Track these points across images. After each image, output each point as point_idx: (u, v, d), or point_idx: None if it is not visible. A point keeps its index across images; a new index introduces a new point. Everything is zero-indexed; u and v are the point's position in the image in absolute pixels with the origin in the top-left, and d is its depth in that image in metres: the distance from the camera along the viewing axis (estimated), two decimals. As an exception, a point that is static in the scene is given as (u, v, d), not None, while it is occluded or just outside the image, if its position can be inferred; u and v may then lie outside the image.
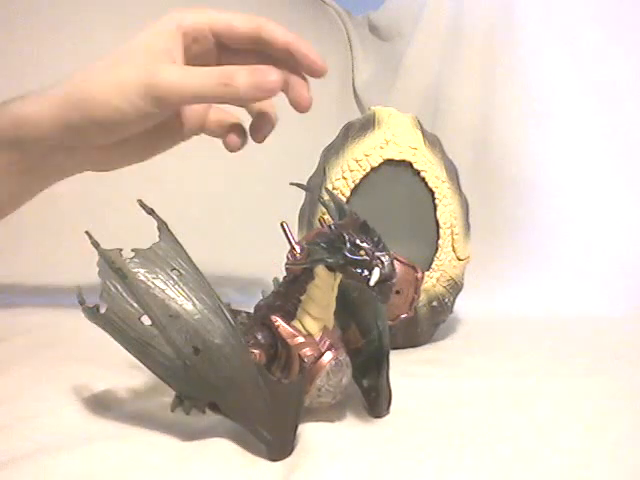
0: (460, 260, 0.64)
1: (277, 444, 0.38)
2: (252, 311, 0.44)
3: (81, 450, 0.38)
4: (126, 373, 0.49)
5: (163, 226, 0.40)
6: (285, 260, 0.41)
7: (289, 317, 0.40)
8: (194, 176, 1.20)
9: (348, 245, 0.36)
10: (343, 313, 0.42)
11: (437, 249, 0.62)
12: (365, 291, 0.44)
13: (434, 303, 0.63)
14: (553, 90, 1.08)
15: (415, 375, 0.53)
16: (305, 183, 0.66)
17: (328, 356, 0.40)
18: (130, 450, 0.38)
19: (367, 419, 0.44)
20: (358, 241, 0.37)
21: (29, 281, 0.87)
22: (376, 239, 0.37)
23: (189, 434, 0.40)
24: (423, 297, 0.61)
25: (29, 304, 0.80)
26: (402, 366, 0.55)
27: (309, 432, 0.41)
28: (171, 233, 0.40)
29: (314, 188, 0.64)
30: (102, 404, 0.46)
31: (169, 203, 1.15)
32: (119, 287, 0.38)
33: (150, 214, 0.40)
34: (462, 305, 0.69)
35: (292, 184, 0.45)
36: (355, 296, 0.44)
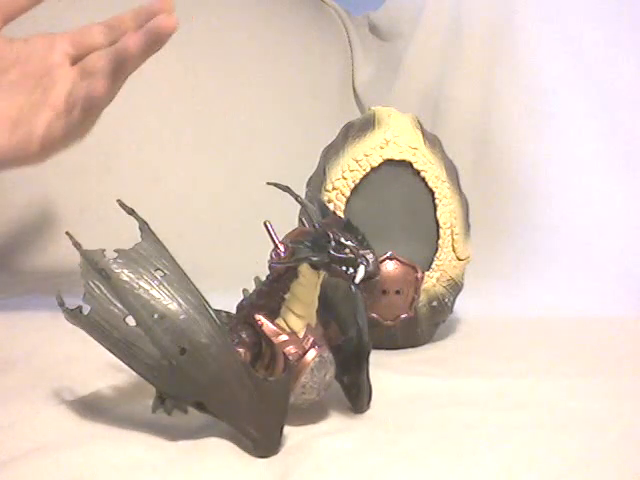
0: (460, 260, 0.64)
1: (264, 441, 0.38)
2: (234, 310, 0.44)
3: (80, 450, 0.38)
4: (119, 373, 0.49)
5: (144, 226, 0.40)
6: (269, 259, 0.41)
7: (273, 315, 0.40)
8: (193, 176, 1.20)
9: (333, 243, 0.37)
10: (323, 311, 0.42)
11: (437, 249, 0.62)
12: (345, 289, 0.44)
13: (434, 303, 0.63)
14: (553, 90, 1.08)
15: (415, 375, 0.53)
16: (305, 183, 0.66)
17: (312, 353, 0.40)
18: (128, 450, 0.38)
19: (366, 419, 0.44)
20: (342, 239, 0.37)
21: (26, 283, 0.88)
22: (360, 237, 0.38)
23: (186, 435, 0.40)
24: (423, 297, 0.61)
25: (27, 304, 0.80)
26: (402, 366, 0.55)
27: (306, 432, 0.41)
28: (153, 233, 0.40)
29: (314, 189, 0.64)
30: (100, 404, 0.46)
31: (168, 203, 1.16)
32: (102, 288, 0.38)
33: (130, 214, 0.40)
34: (462, 305, 0.69)
35: (269, 184, 0.45)
36: (334, 294, 0.44)
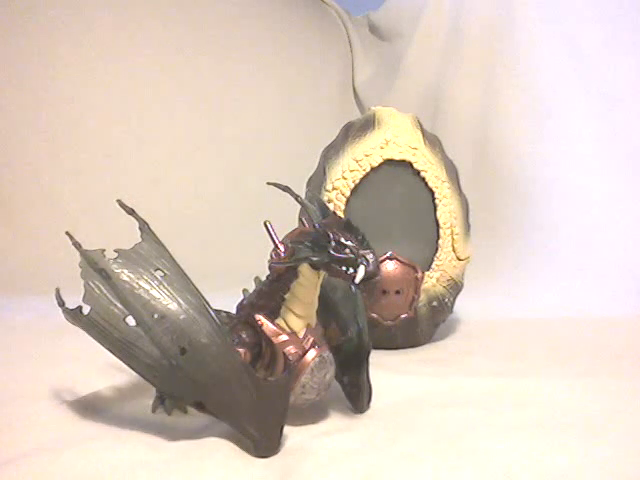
0: (460, 260, 0.64)
1: (264, 441, 0.38)
2: (234, 310, 0.44)
3: (80, 450, 0.38)
4: (119, 373, 0.49)
5: (144, 226, 0.40)
6: (269, 259, 0.41)
7: (273, 315, 0.40)
8: (193, 176, 1.20)
9: (333, 243, 0.37)
10: (323, 311, 0.43)
11: (437, 249, 0.62)
12: (344, 289, 0.44)
13: (434, 303, 0.63)
14: (553, 90, 1.08)
15: (415, 375, 0.53)
16: (305, 183, 0.66)
17: (312, 353, 0.40)
18: (128, 450, 0.38)
19: (366, 419, 0.44)
20: (343, 239, 0.37)
21: (26, 283, 0.88)
22: (360, 237, 0.38)
23: (186, 435, 0.40)
24: (423, 297, 0.61)
25: (27, 304, 0.80)
26: (402, 366, 0.55)
27: (306, 432, 0.41)
28: (153, 233, 0.40)
29: (314, 189, 0.64)
30: (100, 404, 0.46)
31: (168, 203, 1.15)
32: (103, 288, 0.38)
33: (130, 214, 0.40)
34: (462, 305, 0.69)
35: (269, 184, 0.46)
36: (334, 294, 0.44)
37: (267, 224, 0.41)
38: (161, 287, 0.38)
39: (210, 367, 0.37)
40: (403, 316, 0.60)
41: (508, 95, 1.11)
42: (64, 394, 0.47)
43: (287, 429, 0.39)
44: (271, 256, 0.41)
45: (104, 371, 0.50)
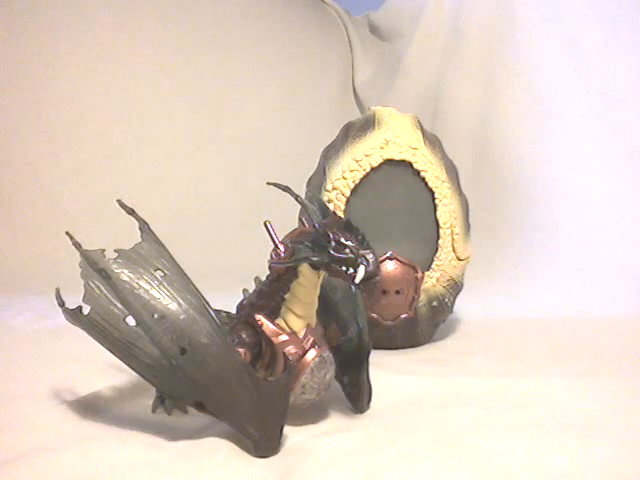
0: (460, 260, 0.64)
1: (264, 441, 0.38)
2: (234, 310, 0.44)
3: (80, 450, 0.38)
4: (119, 373, 0.49)
5: (144, 226, 0.40)
6: (269, 259, 0.41)
7: (273, 315, 0.40)
8: (193, 176, 1.20)
9: (333, 243, 0.37)
10: (323, 311, 0.43)
11: (437, 249, 0.62)
12: (344, 289, 0.44)
13: (434, 303, 0.63)
14: (553, 90, 1.08)
15: (415, 375, 0.53)
16: (305, 183, 0.66)
17: (312, 353, 0.40)
18: (128, 450, 0.38)
19: (366, 419, 0.44)
20: (343, 239, 0.37)
21: (26, 283, 0.88)
22: (360, 237, 0.38)
23: (186, 435, 0.40)
24: (423, 297, 0.61)
25: (27, 304, 0.80)
26: (402, 366, 0.55)
27: (306, 432, 0.41)
28: (153, 233, 0.40)
29: (314, 189, 0.64)
30: (100, 404, 0.46)
31: (168, 203, 1.15)
32: (103, 288, 0.38)
33: (130, 214, 0.40)
34: (462, 305, 0.69)
35: (269, 184, 0.46)
36: (334, 294, 0.44)
37: (267, 224, 0.41)
38: (161, 287, 0.38)
39: (210, 367, 0.37)
40: (403, 316, 0.60)
41: (508, 95, 1.12)
42: (64, 394, 0.47)
43: (287, 429, 0.39)
44: (271, 256, 0.41)
45: (104, 371, 0.50)
